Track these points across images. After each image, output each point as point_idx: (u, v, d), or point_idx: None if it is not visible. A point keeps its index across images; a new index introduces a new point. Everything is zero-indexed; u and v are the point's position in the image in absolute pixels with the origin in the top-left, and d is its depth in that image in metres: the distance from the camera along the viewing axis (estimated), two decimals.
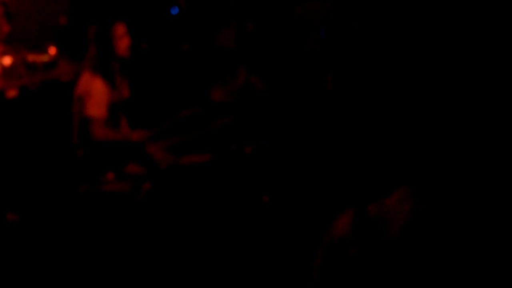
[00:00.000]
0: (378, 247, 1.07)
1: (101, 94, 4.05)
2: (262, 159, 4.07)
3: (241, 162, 4.03)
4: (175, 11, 5.80)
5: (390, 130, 1.03)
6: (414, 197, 1.06)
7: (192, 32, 5.74)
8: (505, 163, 0.95)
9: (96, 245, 3.77)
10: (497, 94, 0.94)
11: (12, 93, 4.78)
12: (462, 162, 0.98)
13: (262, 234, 3.74)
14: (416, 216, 1.05)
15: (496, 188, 0.97)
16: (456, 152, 0.97)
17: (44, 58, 5.21)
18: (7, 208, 4.20)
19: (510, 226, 0.97)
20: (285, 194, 3.92)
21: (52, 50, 5.29)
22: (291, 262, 3.43)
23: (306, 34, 4.91)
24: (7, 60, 4.98)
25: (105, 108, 4.06)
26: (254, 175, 4.01)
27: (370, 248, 1.09)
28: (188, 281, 3.55)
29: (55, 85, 5.08)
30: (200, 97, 4.79)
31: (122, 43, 4.11)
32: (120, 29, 4.12)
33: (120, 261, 3.67)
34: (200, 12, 5.78)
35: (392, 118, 1.03)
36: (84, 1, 5.87)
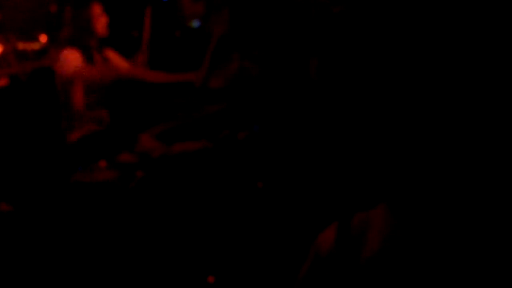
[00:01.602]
0: (356, 267, 1.07)
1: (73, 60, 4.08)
2: (256, 145, 4.05)
3: (234, 148, 4.01)
4: None
5: (376, 129, 1.01)
6: (393, 213, 1.04)
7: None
8: (487, 184, 0.94)
9: (89, 234, 3.75)
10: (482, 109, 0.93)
11: (2, 81, 4.75)
12: (445, 180, 0.96)
13: (256, 221, 3.72)
14: (392, 235, 1.03)
15: (478, 208, 0.96)
16: (439, 170, 0.95)
17: (35, 46, 5.18)
18: None
19: (488, 248, 0.96)
20: (279, 180, 3.90)
21: (43, 38, 5.25)
22: (284, 249, 3.42)
23: (299, 19, 4.88)
24: None
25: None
26: (247, 161, 3.99)
27: (349, 267, 1.08)
28: (180, 269, 3.54)
29: (46, 73, 5.04)
30: (195, 88, 4.77)
31: (100, 22, 4.15)
32: (97, 9, 4.15)
33: (112, 250, 3.65)
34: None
35: (379, 113, 1.01)
36: None
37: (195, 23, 5.68)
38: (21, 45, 5.15)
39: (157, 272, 3.54)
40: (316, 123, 4.01)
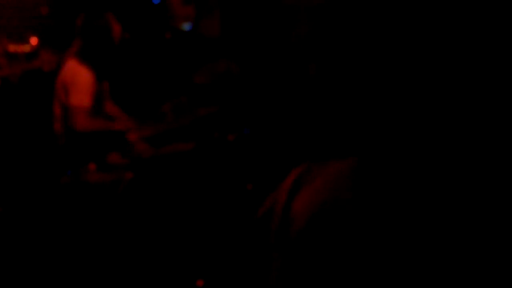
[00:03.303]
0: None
1: (86, 84, 4.01)
2: (245, 147, 4.05)
3: (224, 150, 4.01)
4: (156, 0, 5.77)
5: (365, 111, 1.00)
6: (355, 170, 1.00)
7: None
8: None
9: (79, 236, 3.74)
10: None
11: None
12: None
13: (246, 223, 3.72)
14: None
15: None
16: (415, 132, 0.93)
17: (25, 48, 5.18)
18: None
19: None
20: (268, 181, 3.90)
21: (34, 41, 5.25)
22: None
23: (292, 23, 4.89)
24: None
25: (90, 97, 4.03)
26: (237, 163, 3.99)
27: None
28: (169, 271, 3.53)
29: (37, 75, 5.04)
30: (183, 85, 4.77)
31: (116, 31, 4.10)
32: (112, 18, 4.10)
33: (102, 252, 3.65)
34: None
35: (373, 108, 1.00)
36: None
37: (186, 26, 5.69)
38: (12, 47, 5.15)
39: (146, 273, 3.53)
40: (307, 125, 4.02)
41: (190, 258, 3.58)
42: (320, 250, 0.92)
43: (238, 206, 3.81)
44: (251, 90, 4.47)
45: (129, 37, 5.42)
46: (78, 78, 3.99)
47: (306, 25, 4.65)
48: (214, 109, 4.34)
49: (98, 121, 4.09)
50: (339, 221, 0.91)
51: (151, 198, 3.83)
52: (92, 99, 4.02)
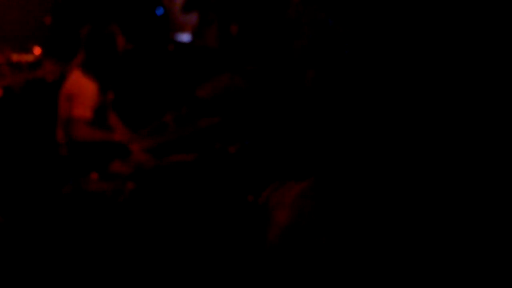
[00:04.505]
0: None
1: (89, 95, 4.06)
2: (247, 159, 4.07)
3: (226, 162, 4.03)
4: (160, 11, 5.81)
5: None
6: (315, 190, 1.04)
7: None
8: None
9: (80, 245, 3.76)
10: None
11: None
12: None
13: (247, 233, 3.73)
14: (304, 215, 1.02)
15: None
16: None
17: (28, 58, 5.20)
18: None
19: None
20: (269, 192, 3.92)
21: (37, 50, 5.28)
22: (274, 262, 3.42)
23: (293, 34, 4.91)
24: None
25: (91, 109, 4.07)
26: (238, 175, 4.01)
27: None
28: (171, 280, 3.55)
29: (40, 85, 5.06)
30: (186, 97, 4.79)
31: (120, 42, 4.14)
32: (117, 29, 4.15)
33: (104, 261, 3.66)
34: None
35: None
36: (69, 1, 5.87)
37: (186, 36, 5.73)
38: (15, 57, 5.18)
39: (147, 283, 3.55)
40: (309, 136, 4.03)
41: (191, 268, 3.59)
42: (297, 252, 1.00)
43: (239, 217, 3.83)
44: (253, 102, 4.50)
45: (132, 48, 5.46)
46: (82, 90, 4.04)
47: (307, 38, 4.66)
48: (215, 120, 4.36)
49: (97, 132, 4.14)
50: (306, 233, 0.99)
51: (153, 208, 3.85)
52: (93, 111, 4.07)
